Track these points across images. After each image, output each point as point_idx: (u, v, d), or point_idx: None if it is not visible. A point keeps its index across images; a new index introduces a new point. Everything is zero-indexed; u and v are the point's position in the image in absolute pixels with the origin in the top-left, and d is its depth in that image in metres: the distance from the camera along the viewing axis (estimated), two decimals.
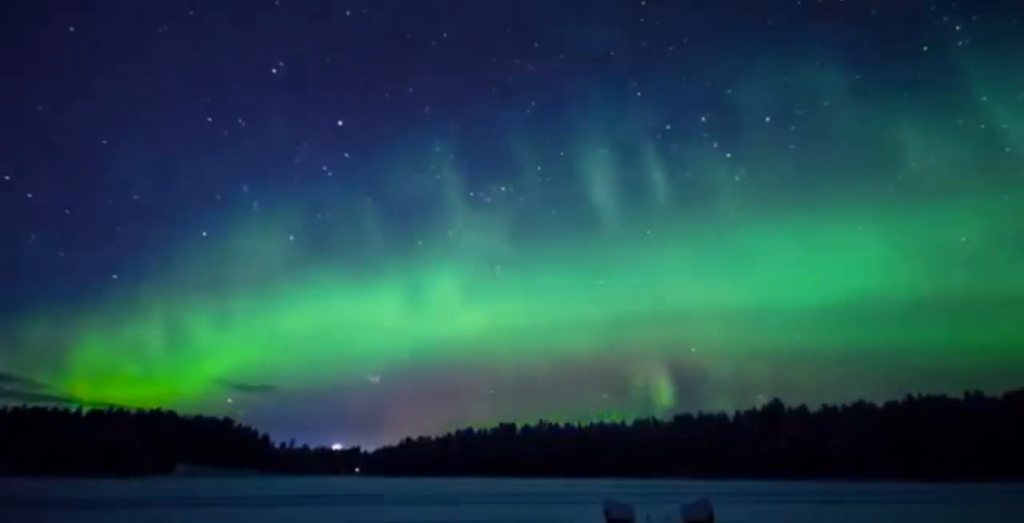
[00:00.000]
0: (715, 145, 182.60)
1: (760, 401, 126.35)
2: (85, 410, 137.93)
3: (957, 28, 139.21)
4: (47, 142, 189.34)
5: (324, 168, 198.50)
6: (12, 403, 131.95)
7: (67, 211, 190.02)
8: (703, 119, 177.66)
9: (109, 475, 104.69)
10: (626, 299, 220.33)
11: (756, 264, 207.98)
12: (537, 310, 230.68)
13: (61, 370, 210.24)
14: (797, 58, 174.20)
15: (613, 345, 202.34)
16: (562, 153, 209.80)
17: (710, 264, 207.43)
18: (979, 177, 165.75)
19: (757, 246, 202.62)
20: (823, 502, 33.17)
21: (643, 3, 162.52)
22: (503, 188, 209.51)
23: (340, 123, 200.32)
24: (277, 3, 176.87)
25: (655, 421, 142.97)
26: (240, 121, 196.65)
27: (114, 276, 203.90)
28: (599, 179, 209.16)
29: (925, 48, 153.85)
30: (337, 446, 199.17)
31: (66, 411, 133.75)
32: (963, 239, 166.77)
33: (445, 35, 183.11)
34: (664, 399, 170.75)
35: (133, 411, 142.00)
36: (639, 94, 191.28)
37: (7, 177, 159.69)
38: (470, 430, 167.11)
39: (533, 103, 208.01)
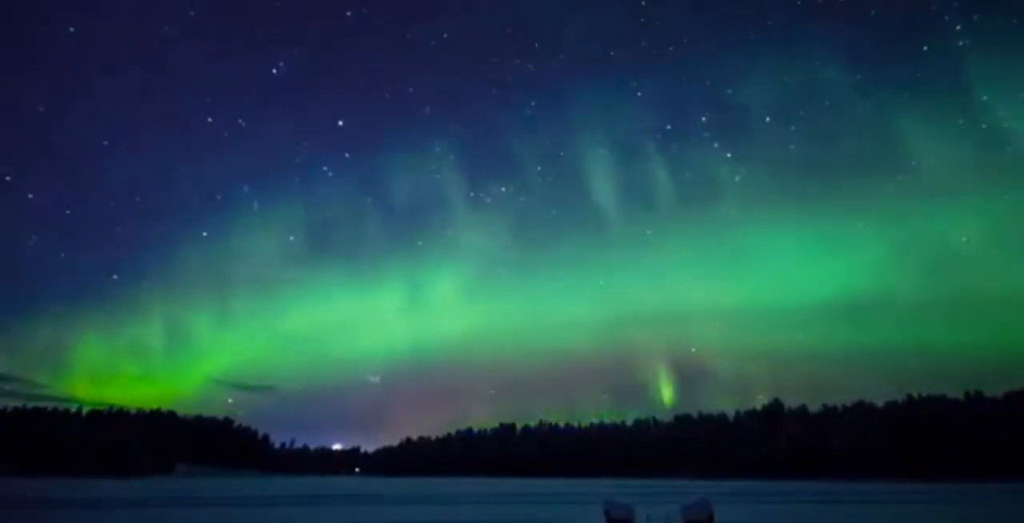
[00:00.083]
0: (715, 145, 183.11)
1: (760, 401, 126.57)
2: (85, 410, 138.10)
3: (957, 28, 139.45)
4: (48, 142, 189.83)
5: (324, 168, 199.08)
6: (12, 403, 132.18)
7: (68, 211, 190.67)
8: (703, 119, 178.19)
9: (109, 475, 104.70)
10: (626, 299, 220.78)
11: (756, 264, 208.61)
12: (537, 310, 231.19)
13: (61, 370, 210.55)
14: (797, 58, 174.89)
15: (613, 345, 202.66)
16: (562, 153, 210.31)
17: (710, 264, 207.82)
18: (979, 177, 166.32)
19: (757, 246, 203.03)
20: (823, 502, 33.17)
21: (643, 3, 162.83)
22: (503, 188, 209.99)
23: (340, 123, 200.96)
24: (277, 3, 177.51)
25: (655, 421, 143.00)
26: (240, 121, 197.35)
27: (115, 276, 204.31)
28: (599, 179, 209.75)
29: (925, 48, 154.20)
30: (337, 446, 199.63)
31: (66, 411, 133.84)
32: (963, 239, 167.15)
33: (445, 35, 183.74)
34: (665, 398, 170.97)
35: (133, 411, 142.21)
36: (639, 94, 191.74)
37: (8, 178, 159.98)
38: (470, 430, 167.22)
39: (533, 103, 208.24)
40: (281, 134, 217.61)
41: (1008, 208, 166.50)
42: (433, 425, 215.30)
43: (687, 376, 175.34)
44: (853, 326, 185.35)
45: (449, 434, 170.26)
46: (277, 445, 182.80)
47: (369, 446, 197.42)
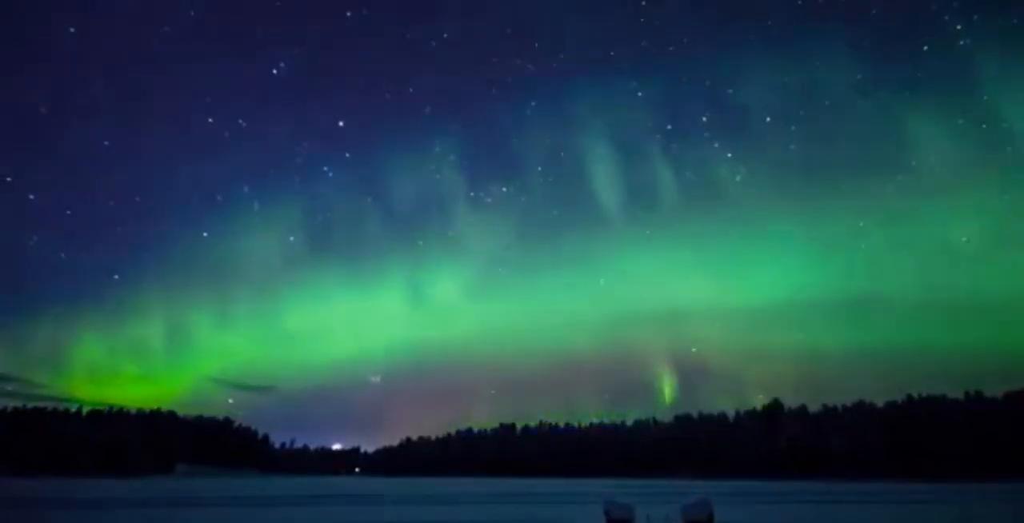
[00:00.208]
0: (716, 145, 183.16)
1: (760, 401, 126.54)
2: (85, 410, 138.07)
3: (958, 27, 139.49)
4: (48, 143, 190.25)
5: (325, 168, 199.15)
6: (12, 403, 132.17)
7: (68, 211, 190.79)
8: (704, 119, 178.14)
9: (109, 475, 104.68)
10: (626, 299, 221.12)
11: (756, 264, 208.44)
12: (537, 310, 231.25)
13: (61, 370, 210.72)
14: (797, 58, 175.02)
15: (613, 345, 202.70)
16: (562, 153, 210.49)
17: (710, 264, 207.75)
18: (980, 177, 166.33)
19: (757, 246, 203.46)
20: (823, 502, 33.17)
21: (643, 3, 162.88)
22: (504, 188, 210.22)
23: (340, 123, 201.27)
24: (277, 3, 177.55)
25: (655, 421, 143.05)
26: (241, 122, 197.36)
27: (115, 276, 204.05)
28: (600, 179, 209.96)
29: (926, 47, 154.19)
30: (337, 446, 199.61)
31: (66, 411, 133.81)
32: (964, 239, 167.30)
33: (445, 35, 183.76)
34: (666, 397, 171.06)
35: (133, 411, 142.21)
36: (639, 94, 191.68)
37: (8, 178, 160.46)
38: (470, 430, 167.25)
39: (533, 103, 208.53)
40: (281, 134, 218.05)
41: (1008, 208, 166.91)
42: (433, 425, 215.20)
43: (687, 376, 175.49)
44: (853, 326, 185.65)
45: (449, 434, 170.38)
46: (277, 445, 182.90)
47: (369, 446, 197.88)
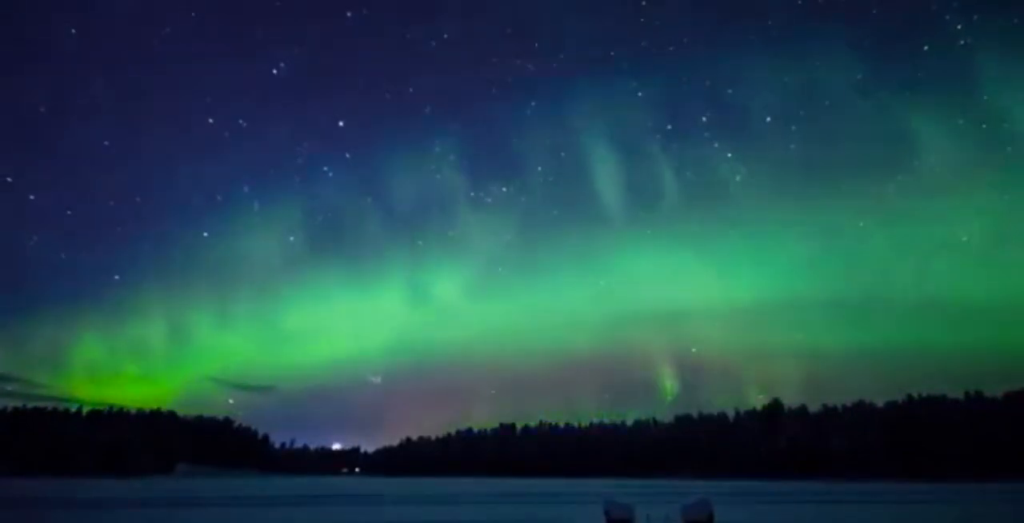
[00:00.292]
0: (716, 145, 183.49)
1: (760, 401, 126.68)
2: (85, 410, 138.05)
3: (958, 27, 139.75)
4: (48, 143, 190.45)
5: (325, 168, 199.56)
6: (12, 403, 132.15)
7: (68, 212, 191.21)
8: (704, 119, 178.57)
9: (109, 475, 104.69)
10: (626, 299, 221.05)
11: (757, 264, 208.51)
12: (537, 310, 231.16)
13: (61, 370, 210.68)
14: (797, 58, 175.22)
15: (613, 345, 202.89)
16: (563, 153, 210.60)
17: (710, 264, 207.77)
18: (980, 176, 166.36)
19: (757, 246, 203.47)
20: (823, 502, 33.17)
21: (643, 3, 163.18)
22: (504, 188, 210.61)
23: (341, 123, 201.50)
24: (277, 3, 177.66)
25: (655, 421, 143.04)
26: (241, 122, 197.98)
27: (115, 277, 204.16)
28: (600, 179, 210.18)
29: (926, 47, 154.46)
30: (337, 446, 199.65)
31: (66, 411, 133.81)
32: (964, 238, 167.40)
33: (445, 35, 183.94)
34: (667, 391, 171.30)
35: (133, 411, 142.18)
36: (639, 94, 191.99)
37: (9, 178, 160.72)
38: (470, 430, 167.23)
39: (533, 103, 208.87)
40: (281, 134, 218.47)
41: (1008, 207, 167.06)
42: (433, 425, 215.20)
43: (687, 376, 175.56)
44: (853, 326, 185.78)
45: (449, 434, 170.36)
46: (277, 445, 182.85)
47: (369, 446, 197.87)
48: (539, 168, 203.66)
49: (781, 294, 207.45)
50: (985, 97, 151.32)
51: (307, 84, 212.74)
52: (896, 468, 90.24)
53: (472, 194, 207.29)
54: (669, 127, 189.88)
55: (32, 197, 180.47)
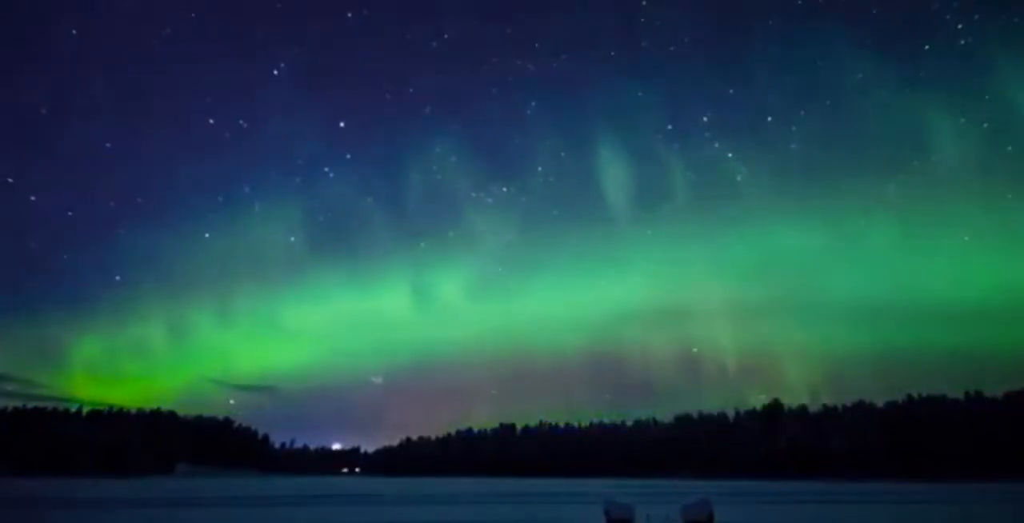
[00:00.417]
0: (716, 145, 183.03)
1: (760, 401, 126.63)
2: (85, 410, 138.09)
3: (959, 27, 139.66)
4: (49, 144, 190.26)
5: (325, 169, 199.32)
6: (12, 403, 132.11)
7: (69, 213, 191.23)
8: (704, 119, 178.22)
9: (109, 475, 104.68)
10: (627, 299, 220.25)
11: (757, 264, 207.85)
12: (538, 310, 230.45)
13: (61, 370, 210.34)
14: (797, 58, 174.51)
15: (613, 345, 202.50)
16: (563, 154, 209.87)
17: (711, 264, 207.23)
18: (981, 176, 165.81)
19: (758, 246, 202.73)
20: (823, 502, 33.17)
21: (643, 3, 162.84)
22: (504, 188, 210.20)
23: (341, 124, 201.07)
24: (277, 3, 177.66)
25: (655, 421, 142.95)
26: (241, 122, 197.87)
27: (116, 277, 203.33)
28: (600, 179, 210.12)
29: (927, 47, 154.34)
30: (337, 446, 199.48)
31: (66, 411, 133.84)
32: (965, 238, 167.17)
33: (445, 35, 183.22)
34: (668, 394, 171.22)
35: (133, 411, 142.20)
36: (639, 94, 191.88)
37: (10, 179, 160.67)
38: (470, 430, 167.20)
39: (533, 103, 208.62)
40: (281, 134, 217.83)
41: (1009, 207, 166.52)
42: (433, 425, 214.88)
43: (687, 376, 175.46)
44: (853, 326, 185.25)
45: (449, 434, 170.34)
46: (277, 445, 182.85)
47: (369, 446, 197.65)
48: (539, 168, 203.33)
49: (781, 294, 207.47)
50: (986, 96, 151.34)
51: (307, 84, 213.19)
52: (896, 468, 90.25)
53: (472, 194, 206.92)
54: (669, 127, 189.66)
55: (33, 198, 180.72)
